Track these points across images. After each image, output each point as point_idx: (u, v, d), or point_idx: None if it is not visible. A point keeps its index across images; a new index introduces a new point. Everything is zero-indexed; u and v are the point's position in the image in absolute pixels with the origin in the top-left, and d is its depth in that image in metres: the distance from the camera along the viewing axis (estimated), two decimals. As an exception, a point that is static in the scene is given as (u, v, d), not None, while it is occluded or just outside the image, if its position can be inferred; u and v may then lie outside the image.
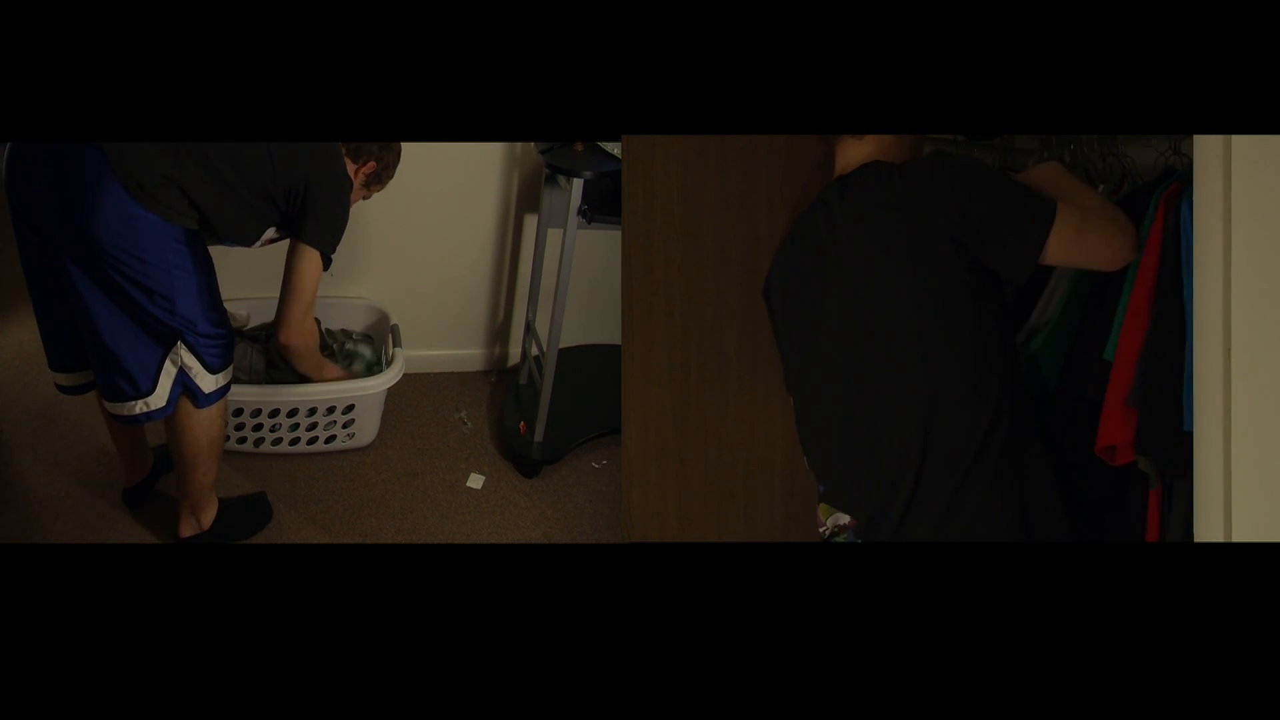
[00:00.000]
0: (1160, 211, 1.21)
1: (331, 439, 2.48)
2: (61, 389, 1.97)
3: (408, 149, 2.59)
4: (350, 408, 2.42)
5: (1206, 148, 1.04)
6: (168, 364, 1.77)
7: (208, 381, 1.83)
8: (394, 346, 2.58)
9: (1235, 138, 0.99)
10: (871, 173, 1.28)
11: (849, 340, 1.28)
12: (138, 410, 1.78)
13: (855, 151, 1.35)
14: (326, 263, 2.04)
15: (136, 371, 1.75)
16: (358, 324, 2.78)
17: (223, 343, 1.85)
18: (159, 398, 1.78)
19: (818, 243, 1.34)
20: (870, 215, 1.25)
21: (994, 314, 1.22)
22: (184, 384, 1.81)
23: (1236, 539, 1.01)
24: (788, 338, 1.44)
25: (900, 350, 1.22)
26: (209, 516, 2.07)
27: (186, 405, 1.84)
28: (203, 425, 1.88)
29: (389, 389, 2.46)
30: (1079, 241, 1.17)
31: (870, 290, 1.24)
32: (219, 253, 1.93)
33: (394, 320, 2.70)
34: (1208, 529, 1.05)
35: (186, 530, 2.06)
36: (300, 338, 2.11)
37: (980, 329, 1.21)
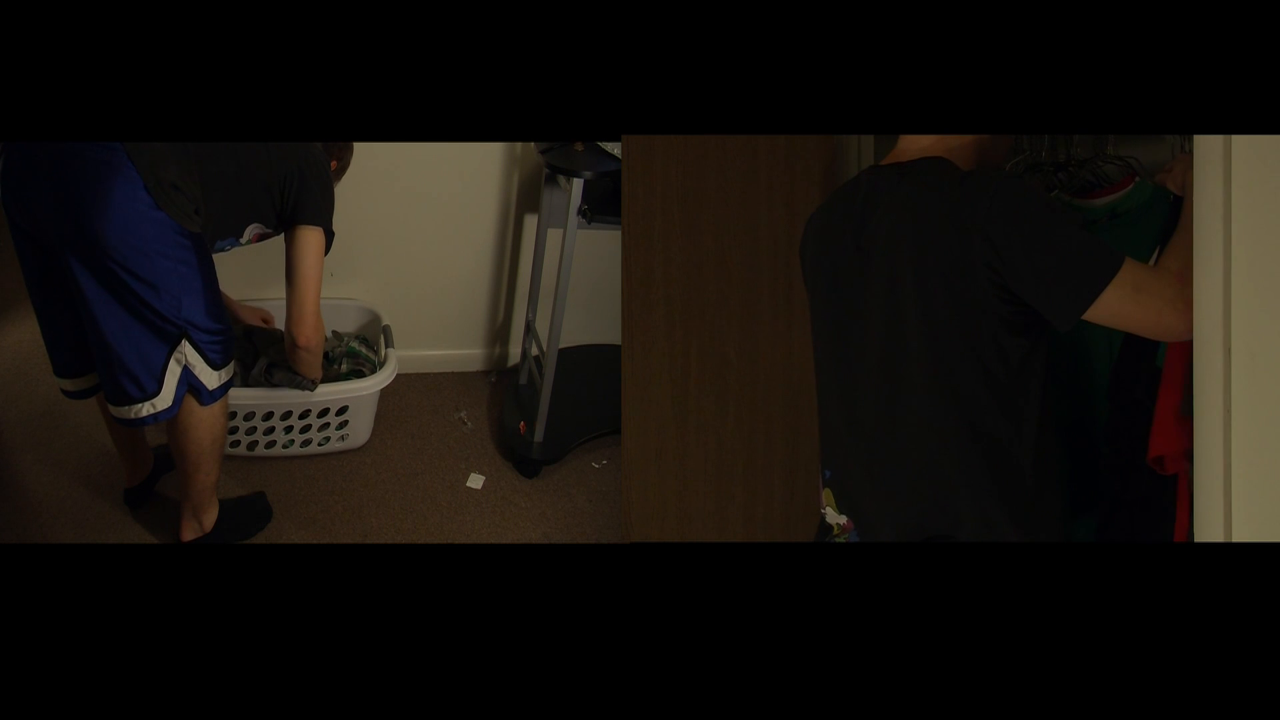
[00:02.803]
0: (1185, 213, 1.20)
1: (325, 441, 2.48)
2: (67, 394, 1.98)
3: (408, 149, 2.60)
4: (344, 409, 2.42)
5: (1206, 148, 1.04)
6: (172, 363, 1.77)
7: (211, 378, 1.83)
8: (386, 347, 2.58)
9: (1235, 138, 0.99)
10: (929, 171, 1.22)
11: (874, 332, 1.24)
12: (144, 412, 1.78)
13: (917, 140, 1.28)
14: (329, 239, 2.03)
15: (142, 372, 1.75)
16: (349, 325, 2.79)
17: (224, 339, 1.85)
18: (164, 398, 1.79)
19: (861, 225, 1.28)
20: (914, 217, 1.19)
21: (1024, 351, 1.15)
22: (189, 382, 1.81)
23: (1236, 539, 1.01)
24: (819, 311, 1.39)
25: (914, 365, 1.19)
26: (211, 519, 2.07)
27: (191, 404, 1.84)
28: (205, 424, 1.89)
29: (381, 390, 2.46)
30: (1122, 313, 1.10)
31: (901, 294, 1.19)
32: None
33: (385, 321, 2.70)
34: (1208, 529, 1.04)
35: (189, 533, 2.06)
36: (318, 334, 2.08)
37: (1002, 364, 1.15)
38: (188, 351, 1.78)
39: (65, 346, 1.89)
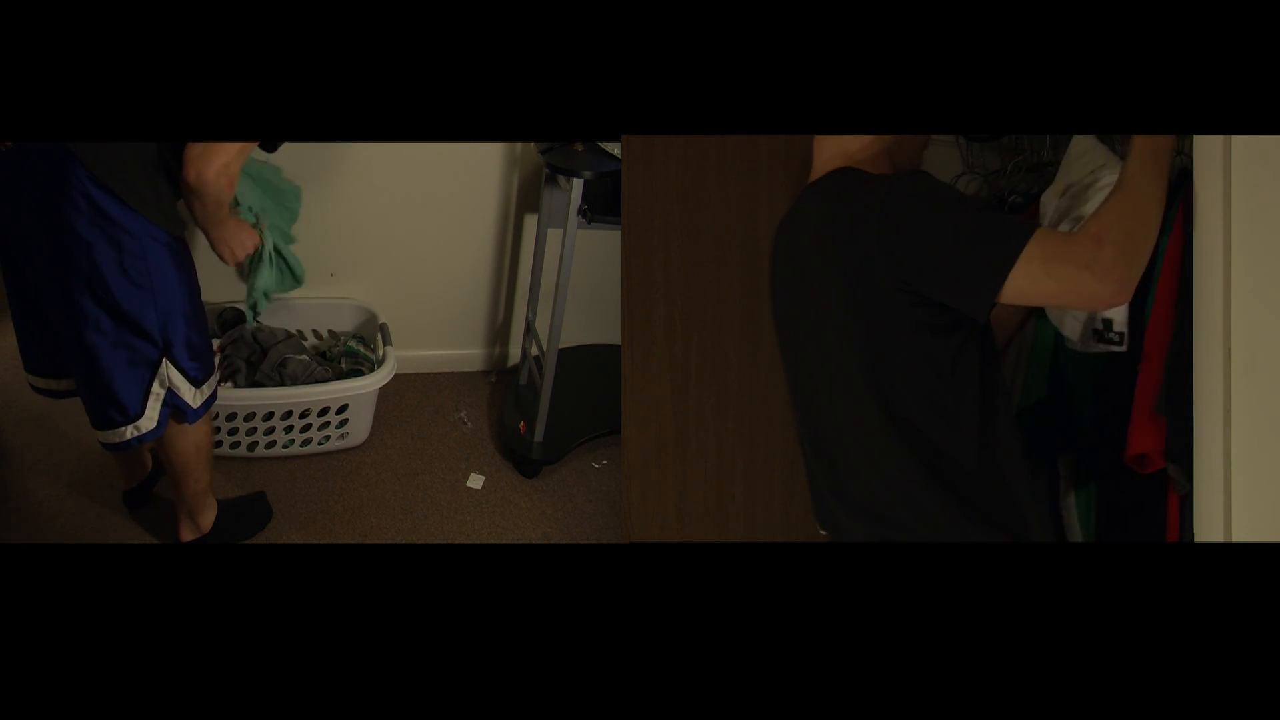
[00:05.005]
0: (1180, 214, 1.20)
1: (325, 440, 2.48)
2: (38, 391, 1.93)
3: (408, 149, 2.60)
4: (344, 408, 2.42)
5: (1206, 148, 1.04)
6: (155, 386, 1.74)
7: (194, 396, 1.81)
8: (384, 345, 2.58)
9: (1235, 138, 0.99)
10: (831, 185, 1.21)
11: (813, 357, 1.24)
12: (128, 435, 1.76)
13: (824, 151, 1.27)
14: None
15: (125, 398, 1.73)
16: (346, 325, 2.79)
17: (206, 352, 1.83)
18: (149, 420, 1.76)
19: (790, 253, 1.29)
20: (819, 239, 1.18)
21: (953, 351, 1.11)
22: (172, 403, 1.78)
23: (1236, 539, 1.01)
24: (781, 342, 1.40)
25: (850, 383, 1.17)
26: (208, 520, 2.07)
27: (174, 424, 1.83)
28: (188, 435, 1.87)
29: (380, 388, 2.46)
30: (1038, 290, 1.05)
31: (824, 311, 1.18)
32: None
33: (382, 319, 2.70)
34: (1208, 529, 1.05)
35: (187, 535, 2.05)
36: (213, 174, 1.59)
37: (930, 369, 1.11)
38: (171, 373, 1.75)
39: (35, 345, 1.85)
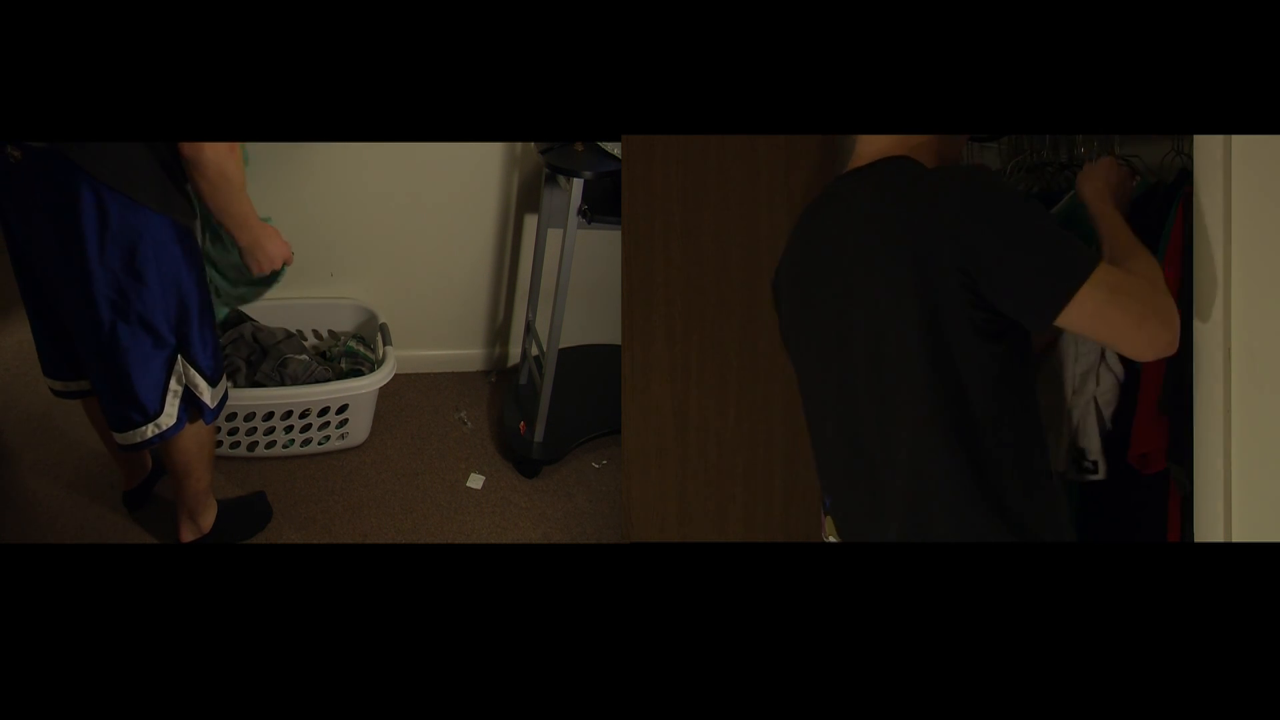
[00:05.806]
0: (1180, 213, 1.20)
1: (325, 440, 2.48)
2: (55, 393, 1.95)
3: (408, 148, 2.60)
4: (344, 408, 2.42)
5: (1206, 148, 1.04)
6: (173, 383, 1.75)
7: (211, 396, 1.82)
8: (384, 345, 2.58)
9: (1235, 138, 0.99)
10: (889, 171, 1.17)
11: (856, 349, 1.19)
12: (149, 434, 1.76)
13: (874, 141, 1.22)
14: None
15: (145, 397, 1.73)
16: (346, 325, 2.79)
17: (218, 349, 1.83)
18: (168, 418, 1.77)
19: (830, 238, 1.23)
20: (877, 226, 1.14)
21: (1001, 359, 1.10)
22: (191, 402, 1.79)
23: (1236, 539, 1.01)
24: (799, 336, 1.34)
25: (895, 372, 1.14)
26: (208, 520, 2.07)
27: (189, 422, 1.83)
28: (190, 435, 1.87)
29: (380, 388, 2.47)
30: (1100, 316, 1.02)
31: (875, 302, 1.14)
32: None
33: (382, 319, 2.70)
34: (1208, 529, 1.05)
35: (187, 535, 2.06)
36: (216, 149, 1.56)
37: (979, 374, 1.09)
38: (188, 371, 1.75)
39: (53, 350, 1.86)
